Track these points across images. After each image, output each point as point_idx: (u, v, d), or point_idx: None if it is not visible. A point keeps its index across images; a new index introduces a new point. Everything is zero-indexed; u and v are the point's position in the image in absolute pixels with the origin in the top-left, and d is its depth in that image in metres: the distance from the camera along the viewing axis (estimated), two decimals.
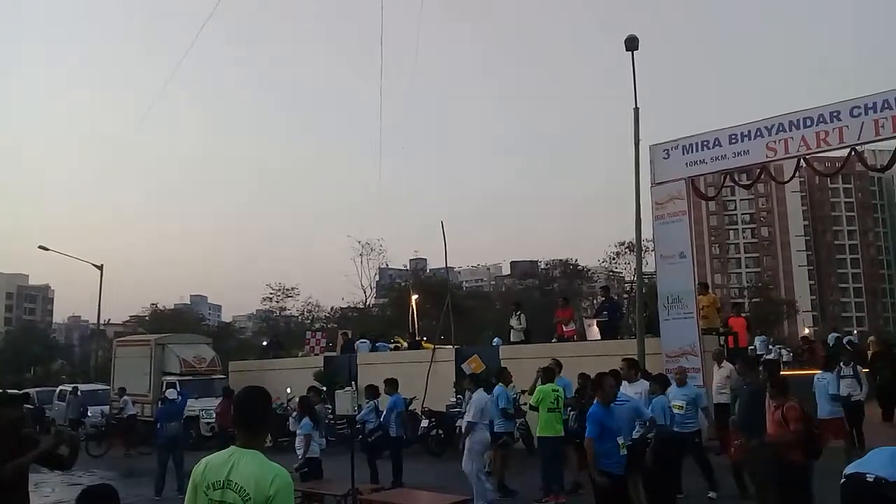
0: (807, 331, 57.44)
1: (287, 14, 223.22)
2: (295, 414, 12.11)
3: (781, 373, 10.25)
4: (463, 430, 11.11)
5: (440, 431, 17.15)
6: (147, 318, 65.78)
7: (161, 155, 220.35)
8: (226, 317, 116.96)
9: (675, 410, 10.02)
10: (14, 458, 4.96)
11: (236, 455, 3.28)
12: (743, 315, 18.48)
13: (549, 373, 11.37)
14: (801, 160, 14.46)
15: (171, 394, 16.71)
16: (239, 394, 3.62)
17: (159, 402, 20.34)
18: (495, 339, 23.33)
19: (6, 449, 4.97)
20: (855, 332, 57.28)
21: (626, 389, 9.78)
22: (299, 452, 10.82)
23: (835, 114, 13.62)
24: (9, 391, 6.16)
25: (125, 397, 22.95)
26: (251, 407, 3.47)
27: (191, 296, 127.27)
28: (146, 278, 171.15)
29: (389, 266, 66.67)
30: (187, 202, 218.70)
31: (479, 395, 11.08)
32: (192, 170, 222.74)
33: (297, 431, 11.11)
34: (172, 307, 73.63)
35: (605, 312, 18.29)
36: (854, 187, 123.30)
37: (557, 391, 11.21)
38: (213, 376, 24.21)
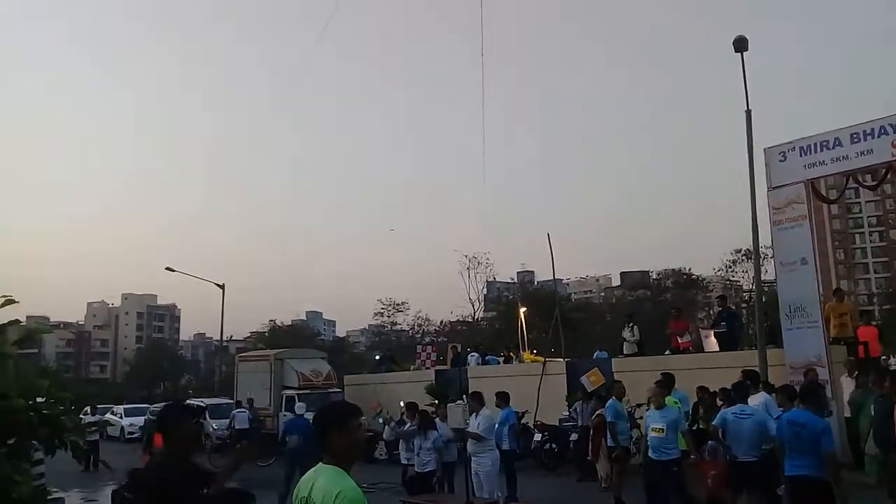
0: None
1: (389, 30, 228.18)
2: (410, 426, 12.30)
3: None
4: (468, 448, 10.73)
5: (553, 445, 17.03)
6: (266, 333, 68.45)
7: (277, 178, 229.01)
8: (340, 332, 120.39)
9: (655, 434, 9.47)
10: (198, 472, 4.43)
11: (319, 472, 3.41)
12: (874, 323, 17.47)
13: (662, 386, 11.07)
14: None
15: (300, 408, 17.27)
16: (318, 410, 3.76)
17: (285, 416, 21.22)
18: (597, 353, 22.93)
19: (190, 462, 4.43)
20: None
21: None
22: (425, 467, 11.05)
23: None
24: (190, 403, 5.73)
25: (235, 411, 23.94)
26: (317, 424, 3.58)
27: (306, 312, 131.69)
28: (265, 296, 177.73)
29: (497, 279, 66.85)
30: (301, 225, 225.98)
31: (486, 412, 10.99)
32: (306, 193, 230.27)
33: (424, 446, 11.32)
34: (290, 323, 76.32)
35: (723, 323, 17.68)
36: None
37: (678, 403, 10.96)
38: (330, 390, 24.86)
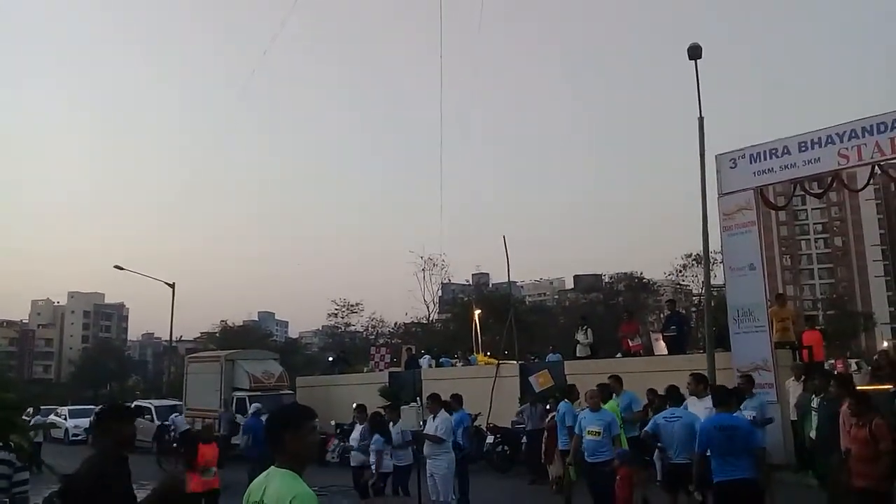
0: (885, 344, 55.17)
1: (348, 31, 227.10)
2: (362, 429, 12.21)
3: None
4: (424, 450, 10.72)
5: (506, 447, 17.06)
6: (217, 334, 67.45)
7: (232, 177, 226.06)
8: (293, 333, 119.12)
9: (590, 437, 9.53)
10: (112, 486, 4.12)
11: (271, 475, 3.34)
12: (818, 328, 17.91)
13: (604, 390, 11.14)
14: (876, 167, 13.96)
15: (255, 409, 17.21)
16: (271, 412, 3.68)
17: (235, 418, 20.90)
18: (549, 355, 23.09)
19: (109, 473, 4.16)
20: None
21: (695, 406, 9.62)
22: (372, 468, 10.97)
23: None
24: (124, 403, 5.26)
25: (173, 416, 23.65)
26: (271, 427, 3.51)
27: (259, 312, 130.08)
28: (216, 296, 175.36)
29: (452, 281, 66.90)
30: (254, 222, 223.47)
31: (444, 414, 11.00)
32: (260, 193, 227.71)
33: (371, 448, 11.24)
34: (241, 324, 75.34)
35: (672, 326, 17.95)
36: None
37: (617, 406, 11.05)
38: (281, 392, 24.55)
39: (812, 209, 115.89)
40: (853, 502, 7.42)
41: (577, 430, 10.03)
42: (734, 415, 8.06)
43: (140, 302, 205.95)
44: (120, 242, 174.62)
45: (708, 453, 7.72)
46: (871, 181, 16.07)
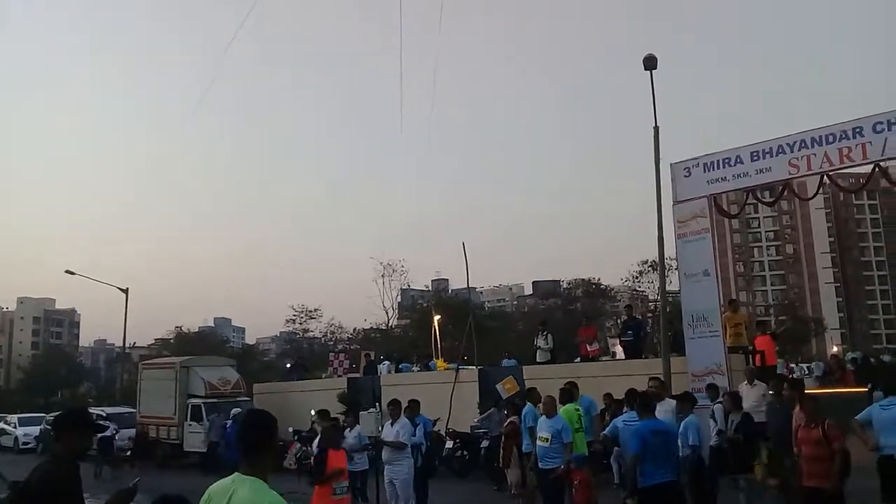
0: (835, 349, 56.59)
1: (307, 37, 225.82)
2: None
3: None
4: (383, 456, 10.75)
5: (465, 452, 17.10)
6: (172, 340, 66.42)
7: (186, 181, 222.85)
8: (250, 339, 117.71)
9: (541, 443, 9.60)
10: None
11: (237, 482, 3.27)
12: (769, 333, 18.29)
13: (566, 394, 11.23)
14: (825, 177, 14.32)
15: (236, 414, 17.02)
16: (240, 419, 3.63)
17: (227, 424, 20.60)
18: (504, 360, 23.24)
19: (60, 480, 4.09)
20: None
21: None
22: None
23: (857, 130, 13.47)
24: (86, 410, 5.02)
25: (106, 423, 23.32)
26: (248, 432, 3.44)
27: (215, 318, 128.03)
28: (171, 302, 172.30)
29: (411, 287, 66.82)
30: (210, 226, 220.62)
31: (405, 419, 11.09)
32: (215, 195, 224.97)
33: None
34: (197, 330, 74.25)
35: (629, 332, 18.18)
36: (879, 203, 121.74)
37: (579, 410, 11.13)
38: (238, 399, 24.28)
39: (764, 217, 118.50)
40: (807, 501, 7.62)
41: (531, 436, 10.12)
42: (656, 420, 8.33)
43: (92, 308, 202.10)
44: (71, 247, 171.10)
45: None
46: (821, 190, 16.48)
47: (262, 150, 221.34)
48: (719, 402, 11.25)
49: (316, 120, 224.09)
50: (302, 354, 51.99)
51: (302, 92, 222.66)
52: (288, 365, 39.09)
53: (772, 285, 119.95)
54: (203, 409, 23.11)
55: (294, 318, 61.98)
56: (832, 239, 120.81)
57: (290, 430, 20.04)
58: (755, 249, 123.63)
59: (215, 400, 23.65)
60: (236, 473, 3.34)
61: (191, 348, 51.92)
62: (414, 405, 12.94)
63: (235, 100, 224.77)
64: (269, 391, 27.07)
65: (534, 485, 11.17)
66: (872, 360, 26.11)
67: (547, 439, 9.58)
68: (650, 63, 16.07)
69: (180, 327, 69.35)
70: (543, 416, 10.00)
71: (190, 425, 23.35)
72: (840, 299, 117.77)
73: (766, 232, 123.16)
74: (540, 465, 9.68)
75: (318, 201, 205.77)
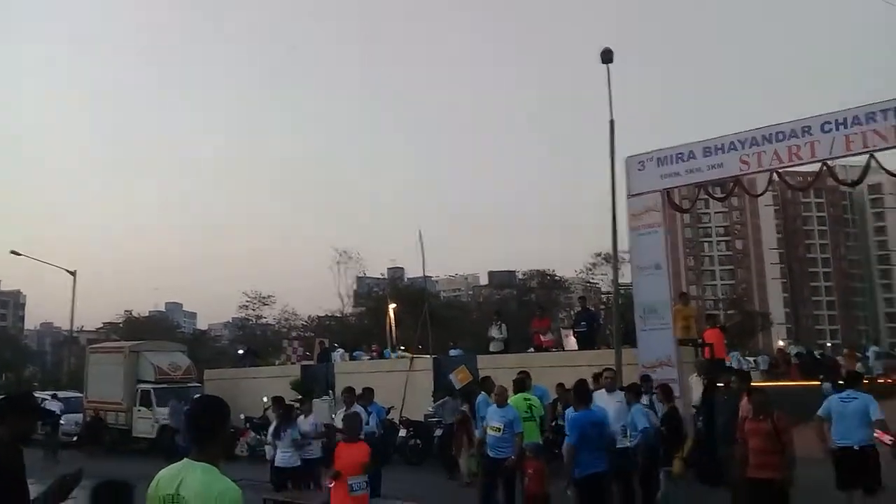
0: (781, 343, 58.07)
1: (275, 14, 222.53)
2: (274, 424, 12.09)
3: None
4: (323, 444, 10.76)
5: (418, 441, 17.16)
6: (121, 325, 65.13)
7: (137, 161, 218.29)
8: (201, 325, 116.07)
9: (492, 433, 9.63)
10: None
11: (187, 468, 3.21)
12: (719, 326, 18.69)
13: (518, 383, 11.31)
14: (774, 174, 14.63)
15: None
16: (191, 404, 3.56)
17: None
18: (451, 349, 23.37)
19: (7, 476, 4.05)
20: (829, 344, 58.08)
21: (603, 399, 9.93)
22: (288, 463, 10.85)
23: (806, 128, 13.76)
24: (31, 394, 4.91)
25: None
26: (201, 418, 3.38)
27: (166, 303, 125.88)
28: (120, 285, 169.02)
29: (367, 275, 66.56)
30: (162, 209, 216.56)
31: (359, 407, 11.17)
32: (166, 175, 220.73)
33: (284, 438, 11.11)
34: (147, 314, 72.94)
35: (582, 323, 18.41)
36: (826, 202, 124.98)
37: (529, 399, 11.19)
38: (189, 384, 24.01)
39: (714, 213, 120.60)
40: (753, 494, 7.78)
41: (482, 424, 10.19)
42: (592, 411, 8.61)
43: (38, 290, 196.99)
44: (17, 226, 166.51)
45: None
46: (770, 187, 16.84)
47: (216, 134, 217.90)
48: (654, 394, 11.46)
49: (274, 106, 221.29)
50: (254, 341, 51.52)
51: (255, 74, 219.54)
52: (240, 351, 38.73)
53: (721, 280, 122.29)
54: (152, 394, 22.80)
55: (247, 304, 61.40)
56: (780, 235, 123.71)
57: (242, 417, 19.90)
58: (705, 244, 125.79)
59: (165, 385, 23.36)
60: (186, 459, 3.27)
61: (141, 333, 50.89)
62: (367, 393, 12.96)
63: (191, 80, 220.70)
64: (220, 377, 26.79)
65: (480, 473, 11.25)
66: (817, 354, 26.90)
67: (499, 429, 9.60)
68: (607, 56, 16.18)
69: (130, 311, 68.12)
70: (494, 406, 10.03)
71: (139, 410, 23.04)
72: (786, 295, 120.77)
73: (716, 227, 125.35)
74: (491, 454, 9.73)
75: (274, 189, 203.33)
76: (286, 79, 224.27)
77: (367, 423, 11.51)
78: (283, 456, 11.02)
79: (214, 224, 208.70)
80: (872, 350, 25.39)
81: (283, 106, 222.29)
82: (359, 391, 12.99)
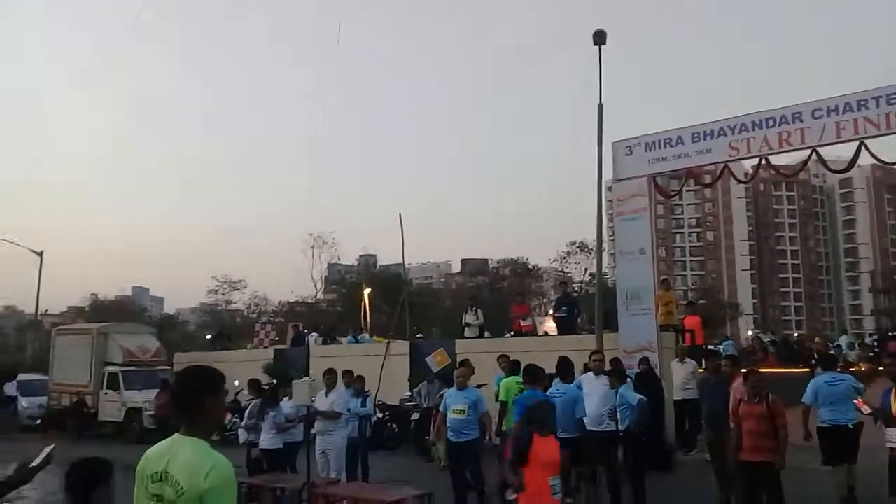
0: (750, 332, 58.89)
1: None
2: (252, 403, 11.76)
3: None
4: (316, 426, 10.50)
5: (394, 426, 16.89)
6: (87, 308, 64.13)
7: (103, 139, 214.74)
8: (169, 309, 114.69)
9: (455, 416, 9.43)
10: None
11: (177, 444, 2.99)
12: (697, 313, 18.64)
13: (514, 365, 11.06)
14: (764, 160, 14.50)
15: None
16: (177, 375, 3.28)
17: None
18: (419, 337, 23.18)
19: None
20: (795, 334, 59.02)
21: (593, 383, 9.74)
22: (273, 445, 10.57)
23: (797, 115, 13.71)
24: None
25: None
26: (189, 389, 3.13)
27: (132, 287, 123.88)
28: (86, 268, 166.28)
29: (340, 262, 66.09)
30: (129, 189, 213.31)
31: (341, 389, 11.06)
32: (135, 157, 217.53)
33: (267, 420, 10.84)
34: (114, 298, 71.82)
35: (563, 308, 18.18)
36: (797, 195, 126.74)
37: (519, 383, 10.97)
38: (158, 367, 23.49)
39: (687, 204, 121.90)
40: (747, 476, 7.66)
41: (441, 408, 9.95)
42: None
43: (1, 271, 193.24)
44: None
45: None
46: (759, 173, 16.78)
47: (183, 112, 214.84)
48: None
49: (241, 86, 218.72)
50: (224, 326, 50.88)
51: (219, 60, 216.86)
52: (209, 336, 38.20)
53: (691, 270, 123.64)
54: (121, 377, 22.24)
55: (216, 289, 60.64)
56: (751, 228, 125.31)
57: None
58: (677, 235, 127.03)
59: (134, 368, 22.85)
60: (176, 435, 3.02)
61: (107, 317, 50.01)
62: (360, 378, 12.72)
63: (154, 61, 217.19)
64: (192, 360, 26.18)
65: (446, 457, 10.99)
66: (793, 342, 27.06)
67: (462, 411, 9.37)
68: (599, 38, 15.97)
69: (96, 295, 67.05)
70: (454, 389, 9.79)
71: (106, 394, 22.47)
72: (755, 286, 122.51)
73: (688, 219, 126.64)
74: (454, 438, 9.48)
75: (244, 173, 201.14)
76: (259, 57, 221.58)
77: (365, 406, 11.53)
78: (267, 438, 10.70)
79: (183, 209, 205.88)
80: (844, 339, 25.56)
81: (248, 88, 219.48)
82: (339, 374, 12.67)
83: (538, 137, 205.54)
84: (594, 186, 16.57)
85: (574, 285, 61.60)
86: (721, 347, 20.45)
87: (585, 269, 56.90)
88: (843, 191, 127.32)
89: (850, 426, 8.85)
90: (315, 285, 57.27)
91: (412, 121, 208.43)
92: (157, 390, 20.08)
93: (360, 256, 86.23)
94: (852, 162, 13.69)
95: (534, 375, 8.46)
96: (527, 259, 67.47)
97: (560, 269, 64.90)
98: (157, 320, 68.64)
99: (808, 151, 13.86)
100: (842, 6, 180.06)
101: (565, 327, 17.79)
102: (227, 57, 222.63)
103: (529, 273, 65.70)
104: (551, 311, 20.03)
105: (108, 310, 60.82)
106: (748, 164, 21.53)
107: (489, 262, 78.66)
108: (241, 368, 21.20)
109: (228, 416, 18.81)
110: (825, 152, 13.97)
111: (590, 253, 52.46)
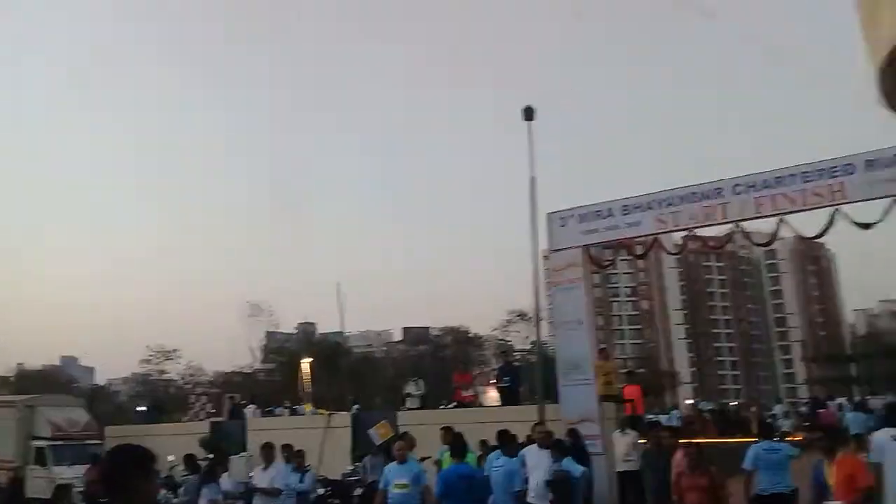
0: (689, 401, 59.72)
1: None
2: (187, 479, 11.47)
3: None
4: (254, 502, 10.43)
5: (336, 502, 16.57)
6: (12, 379, 61.55)
7: (25, 199, 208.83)
8: (99, 379, 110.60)
9: (398, 490, 9.24)
10: None
11: None
12: (637, 383, 19.00)
13: (457, 437, 11.05)
14: (689, 233, 15.10)
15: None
16: (106, 455, 3.29)
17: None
18: (354, 407, 23.08)
19: None
20: (733, 403, 60.16)
21: (537, 455, 9.87)
22: None
23: (718, 190, 14.32)
24: None
25: None
26: (118, 470, 3.12)
27: (61, 356, 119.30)
28: (11, 337, 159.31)
29: (278, 330, 65.14)
30: (57, 256, 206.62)
31: (279, 464, 11.01)
32: (62, 221, 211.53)
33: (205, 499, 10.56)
34: (41, 367, 69.12)
35: (506, 378, 18.32)
36: (726, 265, 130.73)
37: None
38: (89, 441, 22.69)
39: (623, 273, 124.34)
40: None
41: (382, 484, 9.58)
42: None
43: None
44: None
45: None
46: (688, 245, 17.40)
47: (121, 174, 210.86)
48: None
49: (175, 147, 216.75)
50: (158, 397, 49.42)
51: (150, 113, 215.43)
52: (140, 409, 37.04)
53: (629, 339, 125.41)
54: (48, 452, 21.42)
55: (150, 358, 59.04)
56: (684, 297, 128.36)
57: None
58: (614, 304, 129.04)
59: (62, 442, 22.03)
60: None
61: (34, 388, 48.07)
62: (300, 452, 12.56)
63: (96, 109, 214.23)
64: (124, 434, 25.31)
65: None
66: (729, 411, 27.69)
67: (406, 485, 9.15)
68: (528, 114, 16.55)
69: (22, 364, 64.48)
70: (394, 463, 9.61)
71: (33, 469, 21.57)
72: (692, 354, 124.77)
73: (624, 287, 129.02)
74: None
75: (179, 241, 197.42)
76: (196, 111, 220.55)
77: (302, 482, 11.16)
78: None
79: (115, 274, 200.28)
80: (779, 408, 26.25)
81: (192, 152, 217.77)
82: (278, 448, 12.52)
83: (477, 205, 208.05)
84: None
85: (515, 353, 62.07)
86: (667, 417, 20.94)
87: (526, 337, 57.29)
88: (768, 262, 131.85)
89: (788, 492, 9.24)
90: (252, 354, 56.23)
91: (350, 187, 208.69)
92: (87, 466, 19.36)
93: (299, 324, 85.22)
94: (773, 236, 14.35)
95: (456, 449, 8.56)
96: (468, 327, 67.71)
97: (501, 337, 65.35)
98: (87, 391, 66.25)
99: (732, 225, 14.49)
100: (765, 84, 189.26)
101: (508, 398, 17.90)
102: (159, 112, 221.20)
103: (471, 341, 65.84)
104: (493, 381, 20.08)
105: (35, 380, 58.57)
106: (678, 236, 22.30)
107: (430, 330, 78.51)
108: (176, 442, 20.61)
109: (162, 492, 18.19)
110: (750, 225, 14.64)
111: (529, 321, 52.90)
